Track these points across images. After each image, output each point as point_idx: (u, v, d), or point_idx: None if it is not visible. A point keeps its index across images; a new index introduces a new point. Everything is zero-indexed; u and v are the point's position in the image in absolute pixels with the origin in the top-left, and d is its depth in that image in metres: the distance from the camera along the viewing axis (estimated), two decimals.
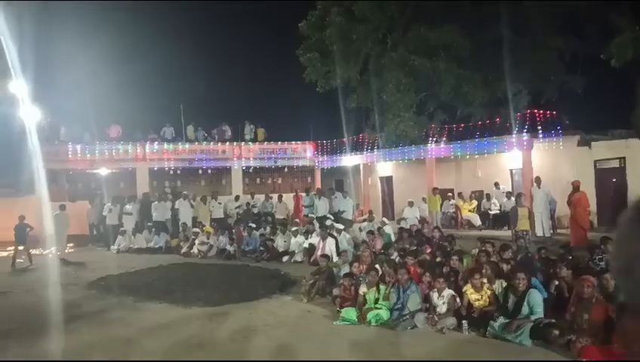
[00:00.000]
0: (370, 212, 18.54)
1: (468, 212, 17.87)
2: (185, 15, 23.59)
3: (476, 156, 17.48)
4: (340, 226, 14.67)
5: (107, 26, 20.47)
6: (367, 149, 19.84)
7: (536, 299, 6.22)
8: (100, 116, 19.10)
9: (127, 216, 17.83)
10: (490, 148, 15.99)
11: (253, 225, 15.83)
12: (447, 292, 6.97)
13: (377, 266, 8.16)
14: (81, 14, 19.97)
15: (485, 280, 6.94)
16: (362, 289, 7.63)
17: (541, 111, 14.94)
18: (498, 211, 17.29)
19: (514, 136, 15.20)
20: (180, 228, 17.08)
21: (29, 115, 17.70)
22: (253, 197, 20.24)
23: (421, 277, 7.79)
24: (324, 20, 13.08)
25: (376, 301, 7.39)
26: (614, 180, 15.18)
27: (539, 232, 14.14)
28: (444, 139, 16.34)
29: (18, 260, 14.09)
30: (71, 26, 18.76)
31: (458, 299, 6.92)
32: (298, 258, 13.30)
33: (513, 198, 17.19)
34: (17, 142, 17.04)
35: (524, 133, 14.81)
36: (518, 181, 17.79)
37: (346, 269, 9.16)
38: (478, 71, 11.33)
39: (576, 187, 12.91)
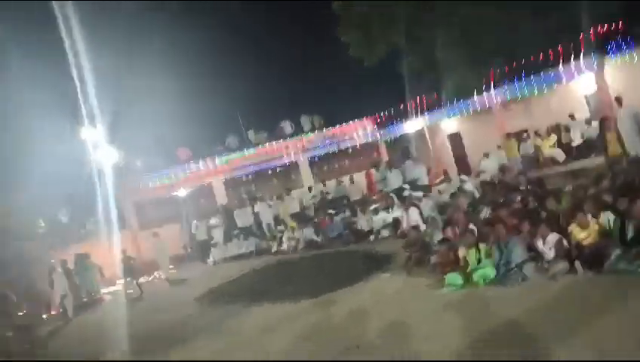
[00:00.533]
0: (445, 172, 18.17)
1: (549, 148, 16.97)
2: (218, 21, 24.00)
3: (544, 91, 16.55)
4: (419, 194, 14.52)
5: (151, 47, 21.18)
6: (428, 111, 19.36)
7: None
8: (166, 142, 20.00)
9: (214, 229, 18.63)
10: (558, 79, 15.09)
11: (333, 211, 16.01)
12: (552, 236, 6.71)
13: (472, 226, 8.01)
14: (131, 37, 20.75)
15: (590, 216, 6.60)
16: (462, 252, 7.52)
17: (606, 25, 13.86)
18: (581, 141, 16.31)
19: (581, 59, 14.23)
20: (266, 229, 17.63)
21: (107, 158, 18.90)
22: (325, 185, 20.45)
23: (519, 227, 7.52)
24: None
25: (479, 261, 7.26)
26: None
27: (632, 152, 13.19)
28: (506, 81, 15.61)
29: (128, 291, 15.16)
30: (124, 54, 19.65)
31: (565, 241, 6.64)
32: (385, 234, 13.29)
33: (595, 123, 16.22)
34: (100, 185, 18.22)
35: (592, 54, 13.82)
36: (594, 106, 16.67)
37: (437, 236, 9.06)
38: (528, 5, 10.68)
39: None
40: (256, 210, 18.87)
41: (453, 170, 20.18)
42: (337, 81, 21.80)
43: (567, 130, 16.92)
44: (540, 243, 6.82)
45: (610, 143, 10.62)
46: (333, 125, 22.40)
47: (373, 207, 14.70)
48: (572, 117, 16.72)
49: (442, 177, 17.65)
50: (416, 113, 20.14)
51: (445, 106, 18.31)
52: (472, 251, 7.35)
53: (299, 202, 19.12)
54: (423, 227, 12.03)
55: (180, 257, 19.21)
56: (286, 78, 25.55)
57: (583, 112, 16.97)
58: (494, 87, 15.22)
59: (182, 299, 12.28)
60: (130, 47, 21.09)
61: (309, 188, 20.51)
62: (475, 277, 7.08)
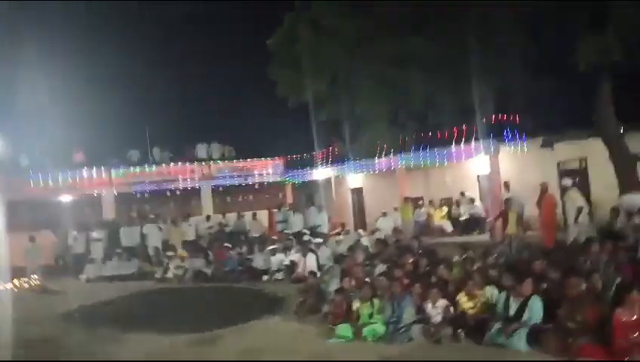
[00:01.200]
0: (343, 225, 18.68)
1: (440, 219, 18.20)
2: (146, 31, 23.16)
3: (444, 164, 17.87)
4: (319, 240, 14.67)
5: (67, 47, 19.87)
6: (337, 162, 19.97)
7: (538, 304, 6.35)
8: (61, 142, 18.45)
9: (94, 243, 17.22)
10: (458, 155, 16.39)
11: (229, 245, 15.61)
12: (442, 302, 7.06)
13: (368, 280, 8.19)
14: (41, 33, 19.35)
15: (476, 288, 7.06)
16: (356, 304, 7.62)
17: (505, 116, 15.44)
18: (467, 217, 17.71)
19: (480, 142, 15.63)
20: (152, 253, 16.64)
21: None
22: (224, 216, 19.98)
23: (410, 288, 7.82)
24: (292, 34, 13.18)
25: (371, 315, 7.40)
26: (577, 180, 15.76)
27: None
28: (413, 148, 16.65)
29: None
30: (30, 48, 18.16)
31: (452, 308, 7.01)
32: (279, 276, 13.15)
33: (476, 204, 17.83)
34: None
35: (490, 139, 15.26)
36: (484, 186, 18.30)
37: (333, 285, 9.14)
38: (447, 79, 11.64)
39: (544, 189, 13.31)
40: (144, 231, 17.77)
41: (350, 223, 20.83)
42: (255, 116, 21.86)
43: (458, 204, 18.36)
44: (429, 307, 7.13)
45: (510, 223, 11.61)
46: (244, 158, 22.20)
47: (271, 247, 14.54)
48: (462, 194, 18.19)
49: (340, 228, 18.12)
50: (326, 162, 20.66)
51: (354, 161, 19.00)
52: (367, 305, 7.48)
53: (195, 230, 18.39)
54: (317, 274, 12.18)
55: (50, 268, 17.37)
56: (204, 102, 25.08)
57: (474, 190, 18.56)
58: (402, 150, 16.10)
59: (48, 313, 11.03)
60: (46, 40, 19.62)
61: (208, 217, 19.89)
62: (365, 331, 7.18)
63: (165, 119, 22.21)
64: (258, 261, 13.97)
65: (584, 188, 15.45)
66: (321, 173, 21.27)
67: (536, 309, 6.33)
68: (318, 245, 13.96)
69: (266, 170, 22.50)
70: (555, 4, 10.17)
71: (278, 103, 17.50)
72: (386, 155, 17.02)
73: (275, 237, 16.01)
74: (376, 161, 18.20)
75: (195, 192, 21.79)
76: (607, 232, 10.61)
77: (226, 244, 15.53)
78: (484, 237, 15.84)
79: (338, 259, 12.52)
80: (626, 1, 8.71)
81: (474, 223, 17.33)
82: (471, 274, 7.43)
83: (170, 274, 14.77)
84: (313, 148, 20.23)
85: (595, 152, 14.92)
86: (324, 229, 16.90)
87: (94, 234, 17.57)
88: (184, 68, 24.47)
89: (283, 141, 21.46)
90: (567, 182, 12.32)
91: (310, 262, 12.53)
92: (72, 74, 18.67)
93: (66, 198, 19.32)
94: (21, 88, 18.71)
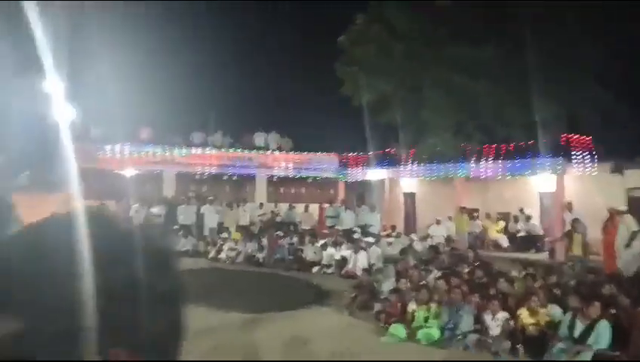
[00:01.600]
0: (394, 227, 18.58)
1: (495, 233, 17.78)
2: (221, 17, 23.78)
3: (507, 177, 17.43)
4: (370, 240, 14.69)
5: (141, 24, 20.62)
6: (393, 164, 19.85)
7: (607, 329, 6.14)
8: (130, 117, 19.24)
9: (154, 218, 17.92)
10: (522, 169, 15.95)
11: (281, 234, 15.86)
12: (502, 314, 6.93)
13: (426, 283, 8.15)
14: (115, 11, 20.19)
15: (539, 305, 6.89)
16: (412, 306, 7.61)
17: (576, 136, 14.90)
18: (525, 234, 17.22)
19: (548, 159, 15.14)
20: (207, 233, 17.14)
21: (62, 113, 17.91)
22: (276, 206, 20.31)
23: (467, 297, 7.72)
24: (364, 34, 13.20)
25: (426, 319, 7.36)
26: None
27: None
28: (475, 159, 16.34)
29: None
30: (104, 23, 18.98)
31: (512, 322, 6.87)
32: (329, 270, 13.26)
33: (534, 222, 17.30)
34: (50, 140, 17.20)
35: (559, 158, 14.76)
36: (546, 205, 17.72)
37: (387, 284, 9.15)
38: (518, 92, 11.34)
39: (611, 214, 12.78)
40: (201, 211, 18.35)
41: (400, 227, 20.66)
42: (315, 111, 21.90)
43: (516, 220, 17.87)
44: (488, 318, 7.02)
45: (575, 244, 11.29)
46: (301, 151, 22.43)
47: (322, 240, 14.67)
48: (521, 210, 17.68)
49: (390, 230, 18.06)
50: (383, 164, 20.58)
51: (414, 165, 18.84)
52: (423, 308, 7.45)
53: (249, 216, 18.79)
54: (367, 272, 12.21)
55: None
56: (268, 92, 25.48)
57: (534, 208, 17.99)
58: (465, 160, 15.84)
59: None
60: (119, 17, 20.49)
61: (261, 205, 20.29)
62: (420, 334, 7.16)
63: (230, 106, 22.70)
64: (309, 253, 14.13)
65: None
66: (375, 173, 21.20)
67: (604, 333, 6.11)
68: (369, 244, 13.97)
69: (321, 164, 22.65)
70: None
71: (339, 101, 17.61)
72: (445, 163, 16.77)
73: (325, 231, 16.14)
74: (435, 168, 17.97)
75: (251, 179, 22.24)
76: None
77: (278, 233, 15.78)
78: (541, 256, 15.39)
79: (388, 260, 12.55)
80: None
81: (531, 241, 16.85)
82: (534, 291, 7.24)
83: (223, 255, 15.18)
84: (369, 149, 20.17)
85: None
86: (376, 229, 16.87)
87: (154, 210, 18.29)
88: (253, 58, 25.00)
89: (340, 138, 21.49)
90: (623, 208, 11.97)
91: (361, 260, 12.57)
92: (147, 54, 19.39)
93: (130, 172, 20.16)
94: (96, 62, 19.61)
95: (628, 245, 11.04)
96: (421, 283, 8.49)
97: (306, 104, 22.92)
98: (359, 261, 12.56)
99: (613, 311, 6.70)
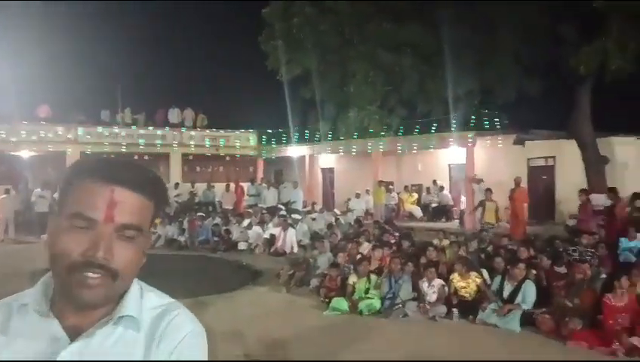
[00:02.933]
0: (314, 203, 18.86)
1: (410, 204, 18.66)
2: None
3: (421, 151, 18.31)
4: (298, 216, 14.77)
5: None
6: (314, 140, 20.00)
7: (532, 289, 6.74)
8: (29, 95, 17.47)
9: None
10: (437, 143, 16.83)
11: (203, 215, 15.43)
12: (438, 281, 7.33)
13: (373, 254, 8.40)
14: None
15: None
16: (352, 278, 7.79)
17: (485, 111, 15.94)
18: (437, 204, 18.27)
19: (459, 133, 16.08)
20: None
21: None
22: (193, 186, 19.67)
23: (404, 266, 8.05)
24: (288, 8, 12.96)
25: (367, 291, 7.59)
26: (544, 177, 16.58)
27: (477, 225, 15.09)
28: (394, 133, 16.94)
29: None
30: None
31: (446, 288, 7.31)
32: (257, 249, 13.16)
33: (446, 192, 18.45)
34: None
35: (470, 132, 15.73)
36: (455, 176, 18.91)
37: (324, 259, 9.28)
38: (440, 68, 11.85)
39: (517, 183, 13.91)
40: None
41: (319, 203, 21.01)
42: (233, 86, 21.37)
43: (429, 191, 18.89)
44: (425, 285, 7.40)
45: (488, 212, 12.11)
46: (217, 128, 21.78)
47: (248, 219, 14.48)
48: (435, 182, 18.72)
49: (312, 207, 18.31)
50: (303, 140, 20.63)
51: (331, 140, 19.10)
52: (363, 280, 7.66)
53: None
54: (295, 249, 12.33)
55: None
56: (181, 66, 24.27)
57: (444, 179, 19.12)
58: (386, 134, 16.35)
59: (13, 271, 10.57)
60: None
61: (176, 185, 19.51)
62: (362, 305, 7.37)
63: (139, 81, 21.38)
64: (235, 232, 13.90)
65: (551, 185, 16.33)
66: (295, 150, 21.24)
67: (529, 292, 6.71)
68: (296, 221, 14.06)
69: (239, 142, 22.20)
70: (552, 12, 10.59)
71: (259, 76, 17.31)
72: (364, 138, 17.21)
73: (250, 210, 15.95)
74: (355, 143, 18.39)
75: (164, 158, 21.28)
76: (573, 228, 11.29)
77: (200, 214, 15.32)
78: (452, 224, 16.44)
79: (313, 236, 12.72)
80: (623, 12, 9.18)
81: (442, 211, 17.92)
82: (461, 257, 7.72)
83: None
84: (289, 125, 20.11)
85: (563, 153, 15.71)
86: (299, 206, 16.98)
87: (40, 192, 16.80)
88: (163, 29, 23.56)
89: (260, 114, 21.22)
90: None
91: (290, 237, 12.63)
92: (45, 25, 17.60)
93: (27, 154, 18.40)
94: None
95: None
96: (358, 255, 8.71)
97: (224, 80, 22.26)
98: (288, 238, 12.61)
99: (534, 271, 7.37)
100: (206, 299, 8.37)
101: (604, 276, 6.75)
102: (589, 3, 9.18)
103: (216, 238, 13.87)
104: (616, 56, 9.02)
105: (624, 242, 8.73)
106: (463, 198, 16.77)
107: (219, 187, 19.51)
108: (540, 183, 16.47)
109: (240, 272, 10.82)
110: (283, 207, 16.10)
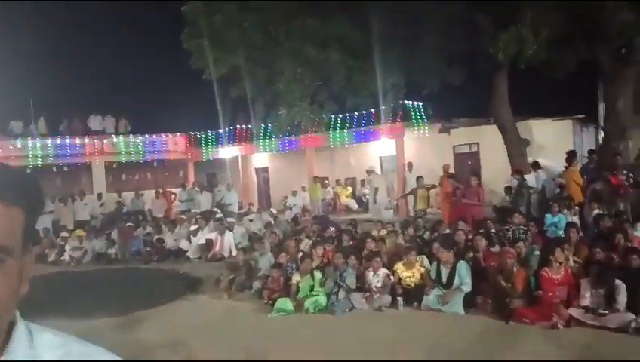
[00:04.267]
0: (251, 204, 18.56)
1: (345, 198, 18.80)
2: None
3: (353, 145, 18.47)
4: (232, 219, 14.38)
5: None
6: (245, 140, 19.62)
7: (465, 268, 6.90)
8: None
9: None
10: (367, 136, 17.03)
11: (132, 225, 14.66)
12: (383, 271, 7.34)
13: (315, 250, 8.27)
14: None
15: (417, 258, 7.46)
16: (295, 277, 7.63)
17: (411, 102, 16.31)
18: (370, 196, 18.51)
19: (388, 125, 16.36)
20: (42, 234, 15.02)
21: None
22: (120, 195, 18.68)
23: (347, 259, 8.00)
24: (210, 5, 12.50)
25: (311, 288, 7.46)
26: (470, 163, 17.25)
27: (410, 211, 15.44)
28: (326, 128, 16.98)
29: None
30: None
31: (392, 277, 7.33)
32: (193, 255, 12.67)
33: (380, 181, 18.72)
34: None
35: (398, 122, 16.05)
36: (387, 167, 19.27)
37: (265, 261, 9.06)
38: (367, 62, 11.92)
39: (446, 170, 14.36)
40: None
41: (254, 203, 20.70)
42: (159, 88, 20.38)
43: (363, 184, 19.11)
44: (370, 275, 7.39)
45: (420, 199, 12.37)
46: (142, 133, 20.76)
47: (180, 226, 13.92)
48: (369, 172, 18.95)
49: (248, 207, 17.99)
50: (235, 140, 20.18)
51: (263, 139, 18.83)
52: (307, 278, 7.52)
53: (90, 209, 16.94)
54: (234, 252, 11.97)
55: None
56: (102, 71, 22.77)
57: (377, 170, 19.41)
58: (318, 130, 16.33)
59: None
60: None
61: (99, 196, 18.42)
62: (307, 304, 7.24)
63: (54, 89, 19.85)
64: (169, 240, 13.30)
65: (476, 170, 17.01)
66: (227, 151, 20.73)
67: (463, 274, 6.87)
68: (233, 224, 13.69)
69: (167, 146, 21.31)
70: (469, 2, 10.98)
71: (184, 77, 16.67)
72: (297, 135, 17.11)
73: (183, 217, 15.36)
74: (288, 140, 18.24)
75: (86, 169, 20.02)
76: (503, 208, 11.78)
77: (129, 224, 14.54)
78: (389, 213, 16.72)
79: (253, 237, 12.45)
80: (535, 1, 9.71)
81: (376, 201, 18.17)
82: (408, 248, 7.78)
83: (66, 257, 13.48)
84: (219, 126, 19.58)
85: (485, 138, 16.41)
86: (235, 208, 16.60)
87: None
88: (79, 33, 21.99)
89: (187, 117, 20.44)
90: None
91: (228, 241, 12.27)
92: None
93: None
94: None
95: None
96: (300, 253, 8.57)
97: (148, 82, 21.18)
98: (226, 242, 12.25)
99: (470, 254, 7.57)
100: (142, 313, 7.91)
101: (537, 253, 7.04)
102: None
103: (148, 248, 13.21)
104: (530, 42, 9.49)
105: (549, 218, 9.23)
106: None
107: (148, 194, 18.66)
108: (467, 168, 17.10)
109: (177, 282, 10.33)
110: (219, 211, 15.63)
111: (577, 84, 14.82)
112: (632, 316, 5.45)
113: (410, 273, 7.34)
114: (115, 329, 7.25)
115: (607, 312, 5.60)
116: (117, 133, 20.48)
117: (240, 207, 17.79)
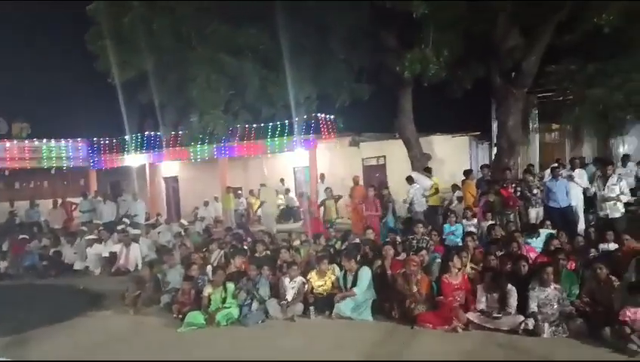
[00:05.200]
0: (159, 215, 17.91)
1: (259, 208, 18.70)
2: None
3: (266, 155, 18.52)
4: (137, 231, 13.78)
5: None
6: (156, 148, 18.89)
7: (364, 274, 7.25)
8: None
9: None
10: (281, 147, 17.18)
11: (27, 237, 13.54)
12: (299, 278, 7.45)
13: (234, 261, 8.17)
14: None
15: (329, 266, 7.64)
16: (207, 290, 7.50)
17: (323, 115, 16.72)
18: (284, 206, 18.64)
19: (302, 136, 16.62)
20: None
21: None
22: (12, 205, 17.16)
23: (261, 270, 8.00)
24: (118, 5, 11.95)
25: (224, 300, 7.37)
26: (377, 175, 18.00)
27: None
28: (239, 138, 16.90)
29: None
30: None
31: (306, 285, 7.45)
32: (94, 269, 11.95)
33: (292, 194, 18.95)
34: None
35: (311, 135, 16.36)
36: (300, 178, 19.54)
37: (174, 273, 8.79)
38: (281, 73, 12.07)
39: (356, 181, 14.84)
40: None
41: (163, 213, 19.99)
42: (61, 91, 18.91)
43: (277, 194, 19.15)
44: (286, 281, 7.46)
45: (330, 209, 12.64)
46: (40, 138, 19.19)
47: (81, 238, 13.09)
48: (282, 180, 19.08)
49: (156, 219, 17.35)
50: (142, 147, 19.36)
51: (173, 147, 18.29)
52: (219, 290, 7.42)
53: None
54: (140, 266, 11.47)
55: None
56: None
57: (289, 182, 19.61)
58: (231, 139, 16.14)
59: None
60: None
61: None
62: (219, 316, 7.14)
63: None
64: (68, 254, 12.44)
65: (383, 181, 17.77)
66: (133, 159, 19.81)
67: (362, 278, 7.18)
68: (138, 236, 13.12)
69: (67, 152, 19.90)
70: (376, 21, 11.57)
71: (89, 80, 15.73)
72: (210, 144, 16.82)
73: (84, 228, 14.44)
74: (200, 149, 17.87)
75: None
76: (408, 219, 12.42)
77: (23, 236, 13.40)
78: (300, 224, 16.93)
79: (161, 249, 12.00)
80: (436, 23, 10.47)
81: (290, 212, 18.35)
82: (321, 256, 7.94)
83: None
84: (125, 132, 18.69)
85: (392, 152, 17.23)
86: (141, 219, 15.88)
87: None
88: None
89: (91, 122, 19.23)
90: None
91: (133, 253, 11.74)
92: None
93: None
94: None
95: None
96: (212, 265, 8.44)
97: (49, 85, 19.60)
98: (131, 255, 11.71)
99: (379, 262, 7.90)
100: (38, 332, 7.36)
101: (439, 260, 7.53)
102: (408, 14, 10.21)
103: (44, 262, 12.26)
104: (433, 62, 10.20)
105: (447, 228, 9.90)
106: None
107: (44, 204, 17.31)
108: (374, 180, 17.81)
109: (77, 298, 9.69)
110: (128, 221, 14.88)
111: (474, 103, 16.09)
112: (521, 318, 6.00)
113: (322, 281, 7.52)
114: (4, 349, 6.69)
115: (500, 315, 6.12)
116: (11, 137, 18.80)
117: (147, 218, 17.09)
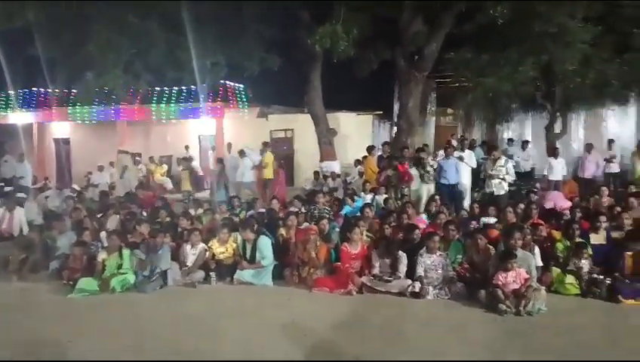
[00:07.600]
0: (47, 179, 16.72)
1: (160, 176, 18.05)
2: None
3: (171, 121, 17.83)
4: (22, 195, 12.76)
5: None
6: (45, 106, 17.38)
7: (264, 244, 7.38)
8: None
9: None
10: (186, 113, 16.64)
11: None
12: (201, 245, 7.41)
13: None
14: None
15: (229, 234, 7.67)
16: (102, 255, 7.22)
17: (232, 84, 16.42)
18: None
19: (207, 104, 16.23)
20: None
21: None
22: None
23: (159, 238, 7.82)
24: None
25: (119, 266, 7.15)
26: (285, 147, 18.17)
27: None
28: (138, 101, 16.07)
29: None
30: None
31: (207, 252, 7.44)
32: None
33: (195, 163, 18.47)
34: None
35: (218, 102, 16.03)
36: (205, 146, 19.10)
37: (64, 239, 8.32)
38: (187, 38, 11.60)
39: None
40: None
41: (52, 177, 18.63)
42: None
43: (178, 163, 18.58)
44: (188, 248, 7.40)
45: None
46: None
47: None
48: (187, 147, 18.49)
49: (44, 182, 16.19)
50: (29, 105, 17.72)
51: (65, 106, 16.98)
52: (114, 256, 7.18)
53: None
54: (26, 230, 10.69)
55: None
56: None
57: (194, 150, 19.08)
58: (131, 102, 15.29)
59: None
60: None
61: None
62: (114, 282, 6.92)
63: None
64: None
65: (290, 154, 18.00)
66: (19, 117, 18.09)
67: (263, 248, 7.32)
68: (23, 199, 12.14)
69: None
70: None
71: None
72: (108, 105, 15.84)
73: None
74: (96, 110, 16.76)
75: None
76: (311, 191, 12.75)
77: None
78: (205, 193, 16.62)
79: (50, 214, 11.24)
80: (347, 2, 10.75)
81: (194, 181, 17.91)
82: (224, 224, 7.92)
83: None
84: (9, 87, 16.99)
85: (299, 126, 17.47)
86: (27, 182, 14.66)
87: None
88: None
89: None
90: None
91: (18, 218, 10.85)
92: None
93: None
94: None
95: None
96: (107, 230, 8.10)
97: None
98: (16, 219, 10.81)
99: (282, 231, 8.08)
100: None
101: (337, 229, 7.88)
102: None
103: None
104: (342, 38, 10.44)
105: (347, 208, 10.30)
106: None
107: None
108: (282, 153, 17.98)
109: None
110: (3, 184, 13.67)
111: (379, 84, 16.72)
112: (409, 281, 6.51)
113: (223, 248, 7.55)
114: None
115: (391, 279, 6.59)
116: None
117: (34, 182, 15.82)
